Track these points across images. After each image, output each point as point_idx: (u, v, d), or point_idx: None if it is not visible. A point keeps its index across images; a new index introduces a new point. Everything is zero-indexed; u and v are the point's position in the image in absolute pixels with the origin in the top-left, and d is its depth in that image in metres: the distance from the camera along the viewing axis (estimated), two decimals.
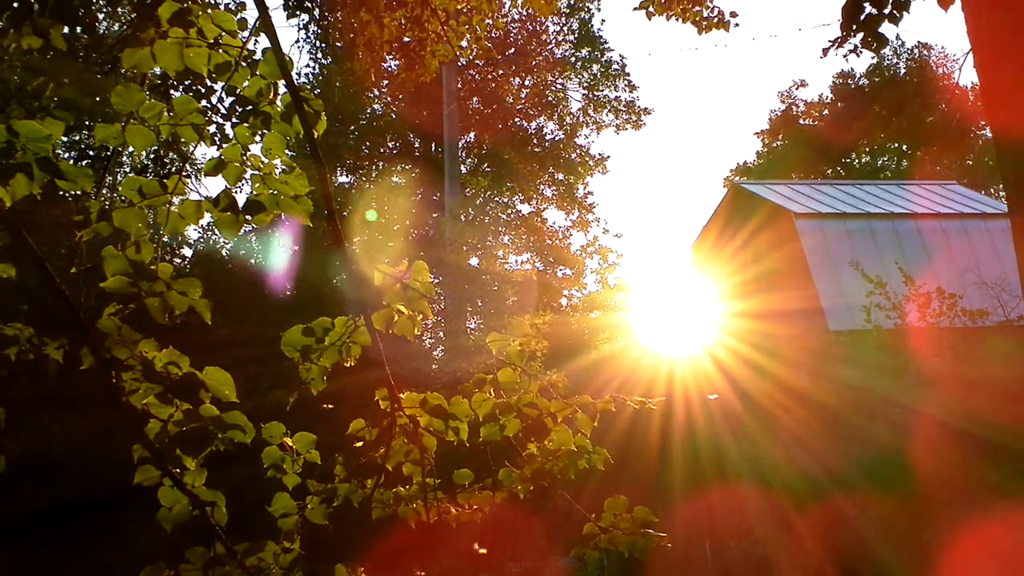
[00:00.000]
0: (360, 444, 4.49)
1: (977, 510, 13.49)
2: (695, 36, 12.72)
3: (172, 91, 10.74)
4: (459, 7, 12.40)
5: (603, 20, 45.65)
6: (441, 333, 26.97)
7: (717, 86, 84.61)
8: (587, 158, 36.59)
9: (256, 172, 3.91)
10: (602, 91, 36.10)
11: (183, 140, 3.90)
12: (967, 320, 16.01)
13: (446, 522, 4.94)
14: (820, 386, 17.59)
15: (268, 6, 3.97)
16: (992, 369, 14.68)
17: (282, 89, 3.88)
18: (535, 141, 36.21)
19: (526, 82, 35.67)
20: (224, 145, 3.94)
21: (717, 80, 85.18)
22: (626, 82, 35.92)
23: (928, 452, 14.07)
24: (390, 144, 34.43)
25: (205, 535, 3.89)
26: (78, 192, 3.70)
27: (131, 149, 3.85)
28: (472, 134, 35.87)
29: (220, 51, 3.78)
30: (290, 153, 4.14)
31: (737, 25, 11.38)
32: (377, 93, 32.35)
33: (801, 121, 46.62)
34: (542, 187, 36.43)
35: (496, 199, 32.80)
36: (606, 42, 36.23)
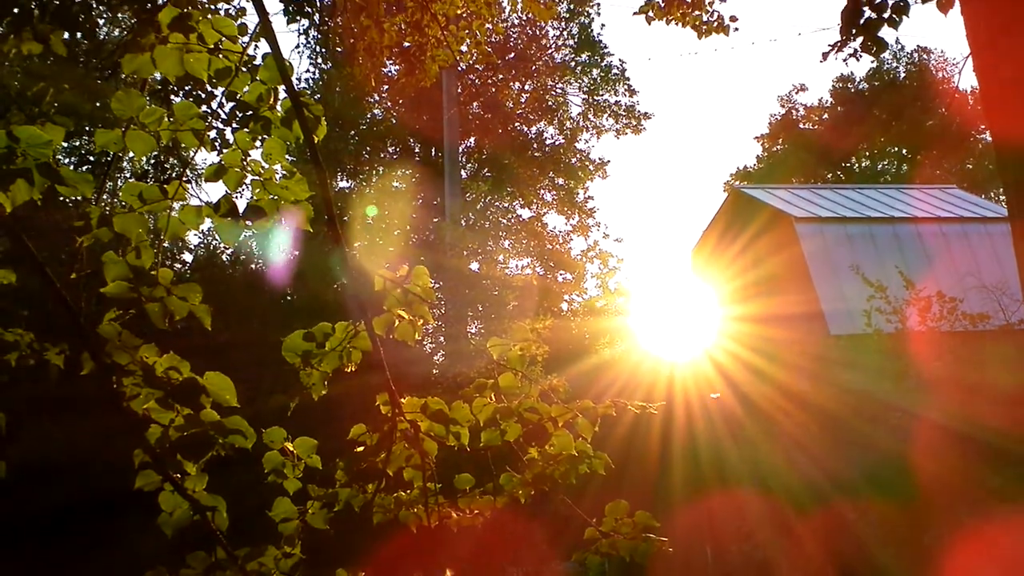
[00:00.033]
0: (361, 449, 4.50)
1: (978, 514, 13.49)
2: (695, 40, 12.73)
3: (172, 96, 10.77)
4: (459, 12, 12.42)
5: (603, 25, 45.91)
6: (442, 338, 26.97)
7: (717, 90, 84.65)
8: (587, 163, 36.61)
9: (256, 177, 3.91)
10: (602, 95, 36.14)
11: (183, 145, 3.90)
12: (968, 324, 16.01)
13: (447, 527, 4.94)
14: (820, 390, 17.59)
15: (268, 11, 3.98)
16: (993, 373, 14.68)
17: (282, 94, 3.88)
18: (535, 145, 36.24)
19: (526, 87, 35.70)
20: (224, 150, 3.94)
21: (717, 84, 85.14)
22: (626, 86, 35.97)
23: (929, 456, 14.07)
24: (390, 149, 34.46)
25: (206, 540, 3.89)
26: (79, 197, 3.71)
27: (131, 154, 3.86)
28: (472, 139, 35.90)
29: (220, 56, 3.79)
30: (290, 158, 4.15)
31: (737, 29, 11.40)
32: (377, 98, 32.38)
33: (801, 125, 46.64)
34: (542, 192, 36.45)
35: (496, 204, 32.84)
36: (606, 46, 36.29)
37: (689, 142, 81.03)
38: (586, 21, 35.66)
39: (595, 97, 36.16)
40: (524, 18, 32.80)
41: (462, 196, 30.87)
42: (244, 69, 3.83)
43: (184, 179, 3.99)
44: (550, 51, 35.38)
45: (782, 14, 77.48)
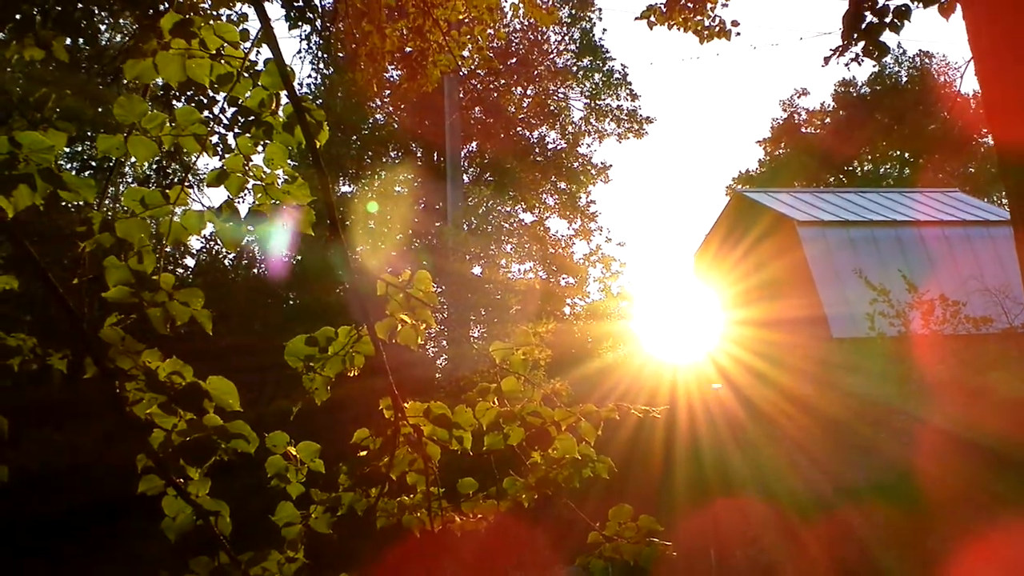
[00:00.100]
0: (364, 453, 4.50)
1: (981, 518, 13.48)
2: (697, 45, 12.74)
3: (174, 102, 10.78)
4: (461, 17, 12.43)
5: (604, 29, 45.86)
6: (444, 342, 26.97)
7: (719, 95, 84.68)
8: (589, 167, 36.64)
9: (258, 182, 3.92)
10: (604, 100, 36.16)
11: (185, 151, 3.90)
12: (971, 327, 16.01)
13: (450, 531, 4.94)
14: (823, 394, 17.59)
15: (270, 17, 3.98)
16: (996, 377, 14.68)
17: (284, 99, 3.88)
18: (537, 150, 36.26)
19: (528, 91, 35.73)
20: (226, 155, 3.94)
21: (719, 89, 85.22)
22: (628, 91, 35.99)
23: (932, 460, 14.07)
24: (392, 154, 34.48)
25: (209, 544, 3.89)
26: (81, 203, 3.71)
27: (133, 160, 3.85)
28: (474, 143, 35.92)
29: (222, 62, 3.79)
30: (292, 163, 4.15)
31: (738, 34, 11.41)
32: (379, 103, 32.40)
33: (803, 129, 46.68)
34: (544, 196, 36.47)
35: (499, 208, 32.78)
36: (608, 51, 36.35)
37: (691, 146, 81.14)
38: (588, 26, 35.72)
39: (597, 101, 36.19)
40: (526, 23, 32.84)
41: (464, 200, 30.86)
42: (246, 74, 3.83)
43: (186, 184, 3.98)
44: (552, 56, 35.42)
45: (784, 19, 77.61)
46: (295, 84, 3.89)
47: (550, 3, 31.56)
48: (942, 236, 21.29)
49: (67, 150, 21.30)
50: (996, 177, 32.73)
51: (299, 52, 36.66)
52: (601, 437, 4.85)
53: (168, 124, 3.79)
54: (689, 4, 11.18)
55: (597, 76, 36.00)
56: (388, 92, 28.41)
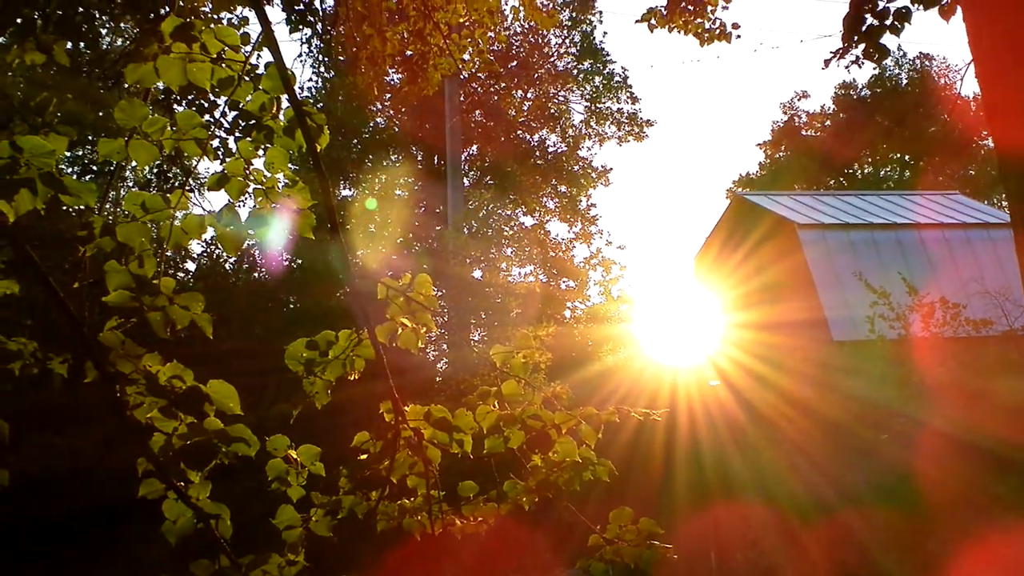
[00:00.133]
0: (364, 456, 4.50)
1: (982, 521, 13.46)
2: (697, 48, 12.76)
3: (175, 106, 10.78)
4: (461, 20, 12.44)
5: (605, 33, 45.90)
6: (445, 345, 26.97)
7: (719, 97, 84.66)
8: (590, 170, 36.65)
9: (259, 186, 3.92)
10: (604, 103, 36.18)
11: (186, 154, 3.90)
12: (971, 330, 16.01)
13: (451, 534, 4.94)
14: (824, 397, 17.58)
15: (271, 21, 3.99)
16: (996, 379, 14.67)
17: (285, 103, 3.89)
18: (538, 153, 36.27)
19: (528, 95, 35.75)
20: (227, 159, 3.95)
21: (719, 91, 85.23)
22: (628, 94, 36.00)
23: (932, 463, 14.05)
24: (393, 157, 34.50)
25: (209, 548, 3.89)
26: (82, 207, 3.71)
27: (134, 164, 3.86)
28: (475, 147, 35.94)
29: (223, 66, 3.79)
30: (293, 167, 4.15)
31: (739, 37, 11.42)
32: (380, 106, 32.40)
33: (803, 132, 46.70)
34: (545, 199, 36.48)
35: (499, 211, 32.80)
36: (608, 54, 36.38)
37: (691, 149, 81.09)
38: (588, 29, 35.73)
39: (597, 105, 36.21)
40: (526, 26, 32.81)
41: (465, 204, 30.87)
42: (247, 78, 3.83)
43: (187, 188, 3.99)
44: (552, 59, 35.43)
45: (784, 21, 77.63)
46: (296, 88, 3.90)
47: (551, 6, 31.61)
48: (942, 239, 21.29)
49: (68, 154, 21.31)
50: (996, 179, 32.75)
51: (300, 56, 36.63)
52: (601, 440, 4.85)
53: (169, 128, 3.79)
54: (689, 7, 11.18)
55: (598, 79, 36.02)
56: (389, 95, 28.42)
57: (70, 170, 22.36)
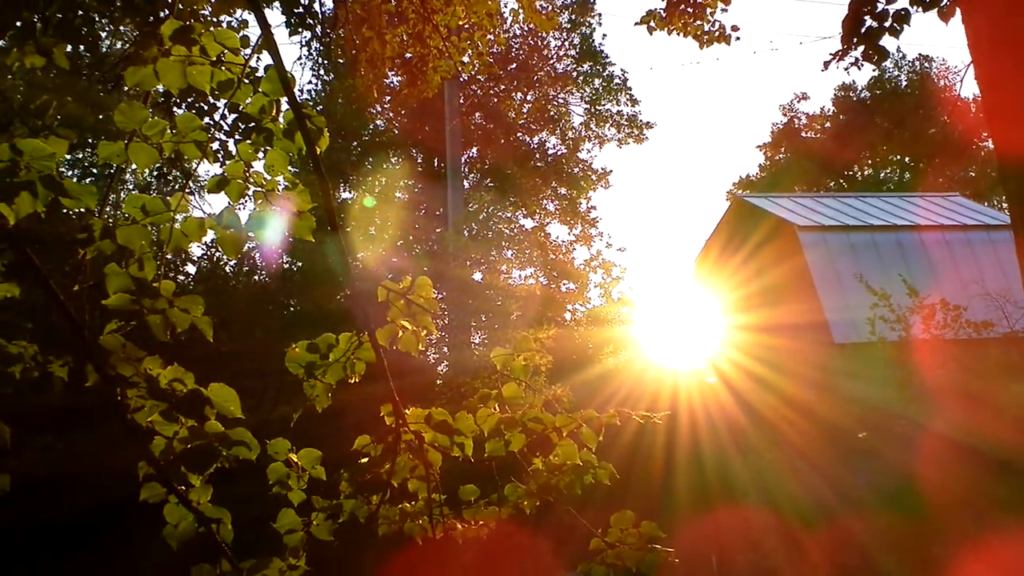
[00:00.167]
0: (365, 460, 4.49)
1: (982, 523, 13.46)
2: (697, 50, 12.78)
3: (175, 108, 10.78)
4: (461, 23, 12.44)
5: (604, 35, 46.05)
6: (445, 348, 26.98)
7: (719, 99, 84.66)
8: (590, 172, 36.65)
9: (259, 189, 3.91)
10: (604, 105, 36.18)
11: (186, 157, 3.90)
12: (972, 332, 16.02)
13: (452, 538, 4.93)
14: (824, 399, 17.57)
15: (270, 24, 3.98)
16: (997, 382, 14.67)
17: (285, 106, 3.88)
18: (538, 156, 36.27)
19: (528, 97, 35.76)
20: (227, 162, 3.94)
21: (719, 93, 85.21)
22: (628, 96, 36.00)
23: (933, 465, 14.05)
24: (393, 160, 34.51)
25: (211, 551, 3.88)
26: (82, 210, 3.71)
27: (134, 166, 3.86)
28: (475, 149, 35.94)
29: (223, 69, 3.79)
30: (293, 169, 4.15)
31: (738, 39, 11.43)
32: (379, 109, 32.42)
33: (803, 134, 46.69)
34: (545, 202, 36.49)
35: (499, 214, 32.84)
36: (607, 56, 36.32)
37: (691, 151, 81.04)
38: (588, 31, 35.73)
39: (597, 107, 36.22)
40: (526, 29, 32.85)
41: (465, 206, 30.89)
42: (246, 81, 3.83)
43: (187, 191, 3.98)
44: (552, 61, 35.43)
45: (783, 23, 77.68)
46: (295, 90, 3.89)
47: (550, 9, 31.63)
48: (943, 241, 21.28)
49: (68, 157, 21.31)
50: (997, 181, 32.72)
51: (299, 58, 36.57)
52: (602, 443, 4.84)
53: (169, 131, 3.79)
54: (689, 9, 11.20)
55: (597, 81, 36.03)
56: (388, 98, 28.44)
57: (70, 173, 22.36)
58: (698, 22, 11.26)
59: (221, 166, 3.97)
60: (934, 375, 15.35)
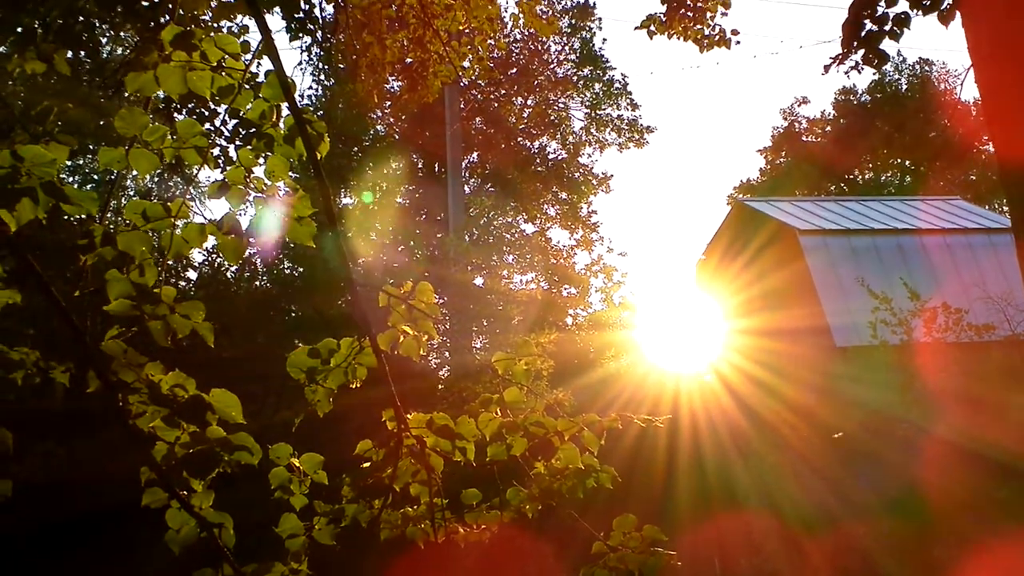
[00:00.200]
0: (367, 464, 4.50)
1: (985, 527, 13.45)
2: (697, 54, 12.78)
3: (176, 114, 10.80)
4: (461, 28, 12.45)
5: (604, 39, 45.78)
6: (447, 352, 26.97)
7: (719, 104, 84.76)
8: (590, 177, 36.66)
9: (260, 195, 3.92)
10: (604, 110, 36.19)
11: (187, 163, 3.90)
12: (973, 335, 16.01)
13: (454, 542, 4.93)
14: (826, 403, 17.56)
15: (271, 29, 3.99)
16: (998, 385, 14.67)
17: (285, 111, 3.89)
18: (538, 160, 36.28)
19: (528, 102, 35.78)
20: (228, 167, 3.94)
21: (719, 98, 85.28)
22: (628, 101, 36.02)
23: (935, 468, 14.04)
24: (393, 165, 34.53)
25: (213, 556, 3.88)
26: (83, 216, 3.71)
27: (135, 172, 3.86)
28: (475, 153, 35.95)
29: (223, 74, 3.79)
30: (294, 175, 4.15)
31: (738, 43, 11.44)
32: (380, 114, 32.43)
33: (804, 138, 46.69)
34: (546, 206, 36.48)
35: (500, 218, 32.83)
36: (608, 61, 36.35)
37: (692, 155, 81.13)
38: (588, 36, 35.74)
39: (598, 111, 36.23)
40: (526, 33, 32.86)
41: (466, 211, 30.89)
42: (247, 87, 3.83)
43: (187, 197, 3.98)
44: (552, 66, 35.45)
45: (783, 27, 77.69)
46: (296, 96, 3.90)
47: (550, 13, 31.65)
48: (944, 244, 21.28)
49: (69, 163, 21.34)
50: (997, 184, 32.72)
51: (300, 64, 36.71)
52: (603, 447, 4.85)
53: (169, 137, 3.79)
54: (689, 13, 11.21)
55: (598, 86, 36.05)
56: (389, 103, 28.45)
57: (71, 179, 22.39)
58: (698, 26, 11.28)
59: (222, 172, 3.97)
60: (935, 378, 15.34)
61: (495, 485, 4.95)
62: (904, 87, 44.60)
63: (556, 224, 36.29)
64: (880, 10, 8.19)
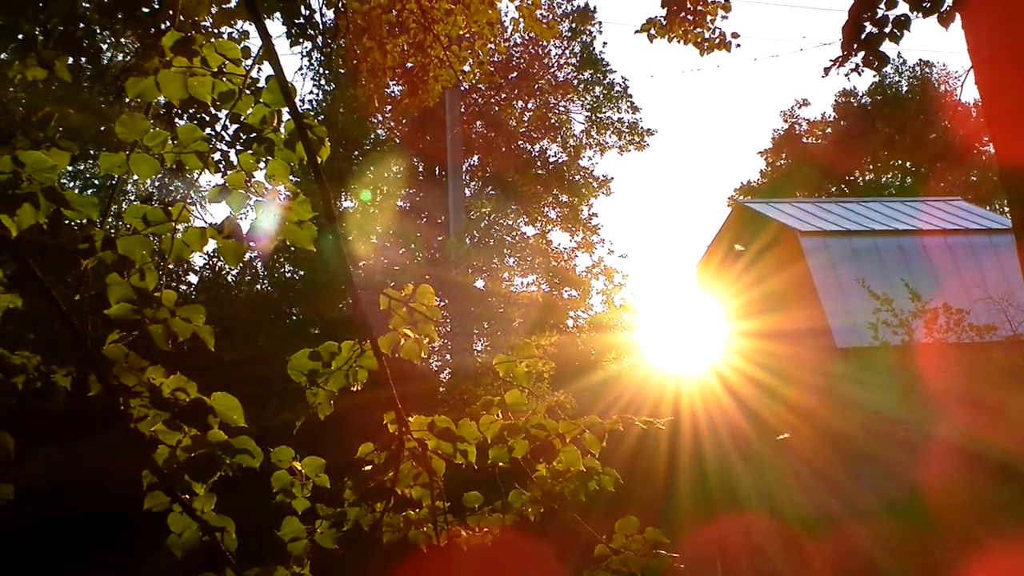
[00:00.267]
0: (369, 467, 4.50)
1: (986, 528, 13.44)
2: (697, 57, 12.77)
3: (177, 119, 10.81)
4: (461, 32, 12.46)
5: (605, 43, 45.90)
6: (448, 355, 26.97)
7: (720, 106, 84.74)
8: (591, 180, 36.65)
9: (260, 199, 3.92)
10: (605, 113, 36.19)
11: (188, 167, 3.91)
12: (974, 335, 16.02)
13: (456, 545, 4.93)
14: (827, 404, 17.56)
15: (271, 34, 4.00)
16: (1000, 386, 14.67)
17: (286, 116, 3.89)
18: (539, 163, 36.28)
19: (529, 105, 35.78)
20: (228, 172, 3.95)
21: (720, 100, 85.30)
22: (628, 103, 36.01)
23: (936, 470, 14.04)
24: (394, 168, 34.55)
25: (215, 560, 3.89)
26: (84, 220, 3.72)
27: (136, 177, 3.87)
28: (476, 157, 35.96)
29: (224, 79, 3.80)
30: (294, 179, 4.16)
31: (739, 46, 11.44)
32: (381, 118, 32.44)
33: (804, 140, 46.67)
34: (547, 209, 36.46)
35: (501, 221, 32.83)
36: (608, 64, 36.36)
37: (693, 158, 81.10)
38: (588, 39, 35.74)
39: (598, 114, 36.22)
40: (526, 37, 32.87)
41: (466, 214, 30.91)
42: (247, 92, 3.84)
43: (188, 201, 3.99)
44: (553, 69, 35.46)
45: (784, 30, 77.71)
46: (296, 100, 3.90)
47: (550, 17, 31.67)
48: (945, 245, 21.28)
49: (70, 168, 21.34)
50: (998, 185, 32.70)
51: (300, 69, 36.71)
52: (605, 449, 4.85)
53: (170, 142, 3.80)
54: (689, 17, 11.21)
55: (598, 89, 36.04)
56: (389, 107, 28.46)
57: (72, 184, 22.40)
58: (698, 29, 11.28)
59: (222, 176, 3.98)
60: (937, 379, 15.34)
61: (497, 488, 4.95)
62: (904, 89, 44.60)
63: (557, 227, 36.30)
64: (880, 12, 8.18)
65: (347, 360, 4.22)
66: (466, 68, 13.59)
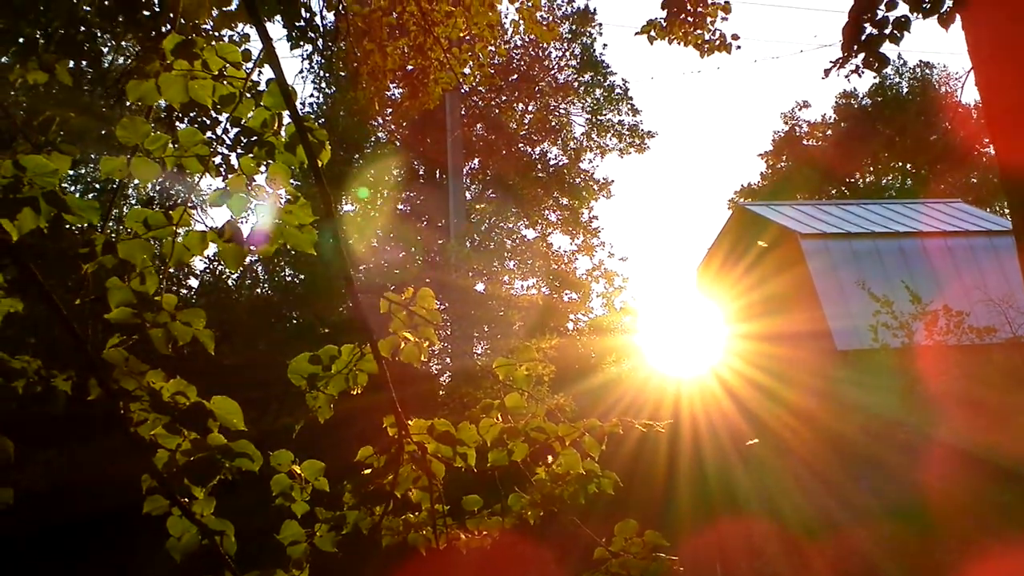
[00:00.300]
0: (368, 471, 4.50)
1: (986, 530, 13.43)
2: (697, 59, 12.79)
3: (177, 123, 10.82)
4: (462, 35, 12.47)
5: (605, 45, 45.98)
6: (448, 358, 26.97)
7: (720, 108, 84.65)
8: (591, 182, 36.63)
9: (261, 202, 3.92)
10: (605, 115, 36.19)
11: (188, 171, 3.91)
12: (974, 337, 16.01)
13: (456, 549, 4.93)
14: (828, 407, 17.55)
15: (272, 37, 4.00)
16: (1000, 388, 14.66)
17: (286, 119, 3.89)
18: (539, 166, 36.27)
19: (529, 107, 35.78)
20: (229, 176, 3.95)
21: (720, 102, 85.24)
22: (629, 106, 36.02)
23: (937, 472, 14.03)
24: (395, 171, 34.56)
25: (214, 564, 3.89)
26: (84, 225, 3.72)
27: (136, 181, 3.87)
28: (477, 160, 35.95)
29: (225, 83, 3.80)
30: (295, 182, 4.16)
31: (739, 47, 11.44)
32: (381, 121, 32.45)
33: (805, 142, 46.65)
34: (547, 212, 36.46)
35: (501, 224, 32.84)
36: (608, 66, 36.33)
37: (693, 160, 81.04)
38: (588, 41, 35.74)
39: (598, 117, 36.22)
40: (527, 39, 32.85)
41: (467, 217, 30.92)
42: (248, 95, 3.84)
43: (189, 205, 4.00)
44: (553, 72, 35.45)
45: (784, 31, 77.74)
46: (297, 104, 3.91)
47: (550, 20, 31.67)
48: (945, 247, 21.27)
49: (71, 172, 21.34)
50: (999, 187, 32.69)
51: (301, 72, 36.68)
52: (605, 452, 4.85)
53: (171, 145, 3.80)
54: (689, 19, 11.21)
55: (598, 91, 36.03)
56: (390, 110, 28.48)
57: (73, 188, 22.42)
58: (698, 31, 11.28)
59: (223, 180, 3.98)
60: (937, 381, 15.33)
61: (496, 491, 4.95)
62: (905, 90, 44.57)
63: (557, 229, 36.29)
64: (880, 14, 8.18)
65: (347, 364, 4.22)
66: (466, 70, 13.61)
